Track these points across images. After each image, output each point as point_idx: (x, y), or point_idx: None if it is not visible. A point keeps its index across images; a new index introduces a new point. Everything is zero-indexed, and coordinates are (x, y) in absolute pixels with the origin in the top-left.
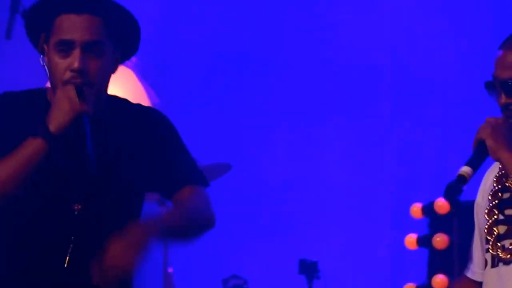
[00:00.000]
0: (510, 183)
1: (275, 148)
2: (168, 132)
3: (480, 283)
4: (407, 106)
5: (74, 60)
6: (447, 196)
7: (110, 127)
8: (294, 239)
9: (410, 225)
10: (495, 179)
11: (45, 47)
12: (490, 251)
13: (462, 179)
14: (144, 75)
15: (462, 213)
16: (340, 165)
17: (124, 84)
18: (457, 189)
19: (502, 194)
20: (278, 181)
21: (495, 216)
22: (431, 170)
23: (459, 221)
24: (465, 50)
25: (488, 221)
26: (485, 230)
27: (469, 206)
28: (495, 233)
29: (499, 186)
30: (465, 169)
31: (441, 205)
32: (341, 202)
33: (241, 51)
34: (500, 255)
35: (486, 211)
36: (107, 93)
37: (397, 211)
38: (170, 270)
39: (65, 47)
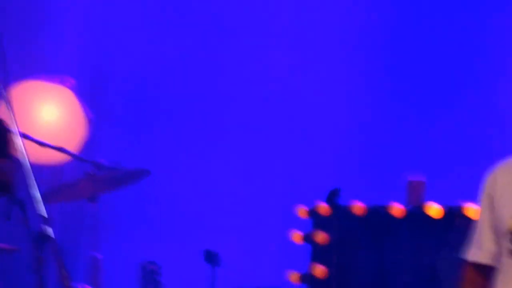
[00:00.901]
0: None
1: (185, 155)
2: None
3: (486, 266)
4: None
5: None
6: (328, 201)
7: None
8: (201, 233)
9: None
10: None
11: None
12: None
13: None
14: (80, 93)
15: (340, 214)
16: (240, 172)
17: (62, 102)
18: (336, 196)
19: None
20: (189, 185)
21: None
22: (314, 176)
23: (338, 222)
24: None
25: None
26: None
27: (345, 209)
28: None
29: None
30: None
31: (323, 207)
32: (241, 202)
33: (163, 60)
34: None
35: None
36: None
37: (286, 211)
38: (98, 256)
39: None
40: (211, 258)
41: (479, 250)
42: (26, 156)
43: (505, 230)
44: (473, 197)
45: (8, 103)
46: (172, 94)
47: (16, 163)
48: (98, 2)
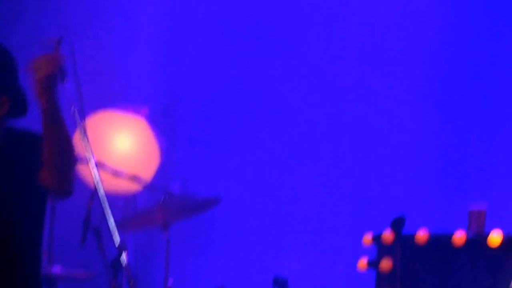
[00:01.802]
0: None
1: (255, 181)
2: (30, 155)
3: None
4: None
5: None
6: (393, 228)
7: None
8: (270, 259)
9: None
10: None
11: None
12: None
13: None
14: (153, 121)
15: (404, 242)
16: (309, 200)
17: (135, 132)
18: (401, 224)
19: None
20: (259, 211)
21: None
22: (379, 204)
23: (401, 249)
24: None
25: None
26: None
27: (409, 237)
28: None
29: None
30: None
31: (388, 235)
32: (310, 229)
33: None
34: None
35: None
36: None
37: (353, 238)
38: (170, 282)
39: None
40: (280, 284)
41: None
42: (101, 185)
43: None
44: None
45: (84, 133)
46: (241, 119)
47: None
48: (168, 30)
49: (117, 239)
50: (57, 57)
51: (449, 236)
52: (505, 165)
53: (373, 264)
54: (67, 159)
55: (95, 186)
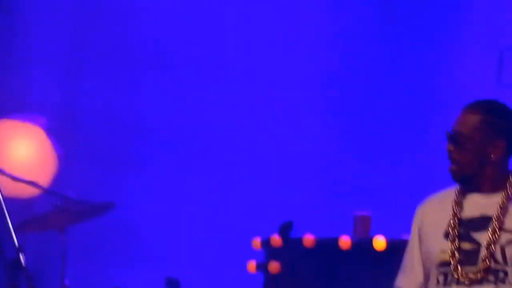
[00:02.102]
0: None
1: (148, 186)
2: None
3: None
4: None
5: None
6: (281, 233)
7: None
8: (162, 260)
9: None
10: (452, 215)
11: None
12: (454, 273)
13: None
14: (49, 130)
15: (292, 246)
16: (200, 204)
17: (33, 139)
18: (289, 228)
19: (456, 229)
20: (151, 214)
21: (454, 246)
22: (268, 209)
23: (289, 253)
24: None
25: (446, 249)
26: (441, 257)
27: (297, 241)
28: (455, 259)
29: (455, 221)
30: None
31: (276, 239)
32: (200, 232)
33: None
34: (462, 279)
35: (443, 242)
36: None
37: (242, 242)
38: (67, 283)
39: None
40: (172, 285)
41: (407, 278)
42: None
43: (435, 263)
44: None
45: None
46: (141, 132)
47: None
48: (69, 39)
49: (15, 241)
50: None
51: (335, 240)
52: (389, 172)
53: (262, 266)
54: None
55: None
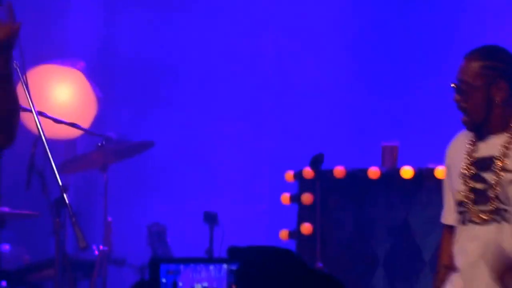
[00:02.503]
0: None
1: (186, 128)
2: None
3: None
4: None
5: None
6: (312, 165)
7: None
8: (200, 196)
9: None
10: (466, 154)
11: None
12: (468, 213)
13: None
14: (90, 74)
15: (323, 178)
16: (236, 142)
17: (74, 83)
18: (320, 161)
19: (472, 169)
20: (190, 154)
21: (469, 185)
22: (299, 143)
23: (321, 184)
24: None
25: (464, 188)
26: (461, 196)
27: (327, 173)
28: (470, 199)
29: (471, 160)
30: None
31: (308, 172)
32: (237, 168)
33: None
34: (474, 219)
35: (461, 180)
36: None
37: (276, 176)
38: (109, 219)
39: None
40: (210, 218)
41: (447, 214)
42: (43, 132)
43: (456, 201)
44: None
45: (25, 84)
46: (176, 71)
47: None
48: None
49: (59, 181)
50: (10, 23)
51: (365, 171)
52: (416, 104)
53: (295, 198)
54: (13, 114)
55: (38, 133)
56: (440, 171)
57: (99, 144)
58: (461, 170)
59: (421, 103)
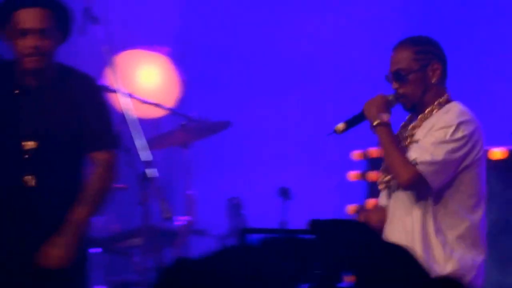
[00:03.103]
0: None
1: (262, 109)
2: (87, 99)
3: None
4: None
5: (31, 41)
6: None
7: (55, 91)
8: (276, 173)
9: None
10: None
11: (7, 34)
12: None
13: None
14: (174, 58)
15: None
16: (309, 123)
17: (159, 66)
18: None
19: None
20: (266, 133)
21: None
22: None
23: None
24: None
25: None
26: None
27: None
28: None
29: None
30: (339, 126)
31: (374, 151)
32: (309, 147)
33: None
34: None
35: None
36: (53, 63)
37: (343, 154)
38: (191, 192)
39: (25, 32)
40: (284, 193)
41: None
42: (131, 111)
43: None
44: None
45: (114, 68)
46: (249, 57)
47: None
48: None
49: (146, 156)
50: None
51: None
52: None
53: (363, 175)
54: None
55: (126, 112)
56: None
57: (182, 123)
58: None
59: None
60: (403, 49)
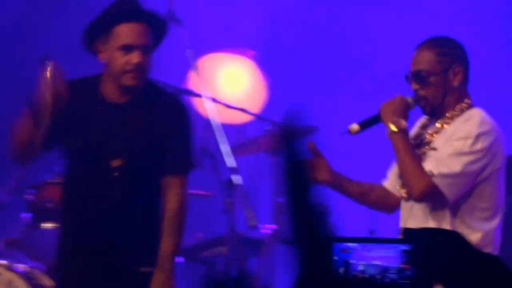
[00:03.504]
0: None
1: (349, 112)
2: (173, 121)
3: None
4: None
5: (135, 57)
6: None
7: (142, 109)
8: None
9: None
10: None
11: (101, 47)
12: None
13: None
14: (259, 62)
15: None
16: None
17: (244, 70)
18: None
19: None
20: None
21: None
22: None
23: None
24: None
25: None
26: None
27: None
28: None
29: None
30: (354, 127)
31: None
32: None
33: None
34: (403, 194)
35: None
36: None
37: None
38: (280, 199)
39: (129, 48)
40: None
41: (386, 179)
42: (215, 117)
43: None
44: None
45: (199, 72)
46: (337, 59)
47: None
48: None
49: (231, 162)
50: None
51: None
52: None
53: None
54: None
55: (210, 118)
56: None
57: (267, 129)
58: None
59: None
60: (425, 49)
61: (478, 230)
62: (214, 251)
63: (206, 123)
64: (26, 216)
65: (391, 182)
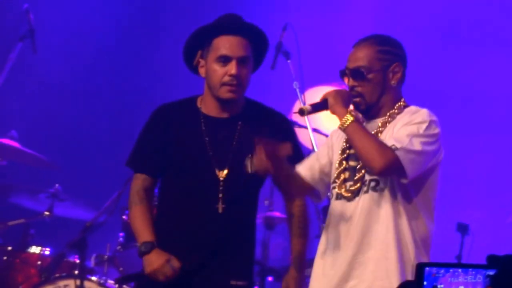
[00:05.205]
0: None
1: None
2: (286, 137)
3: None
4: None
5: (232, 68)
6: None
7: (245, 125)
8: (454, 208)
9: None
10: (345, 140)
11: (201, 61)
12: (337, 189)
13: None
14: None
15: None
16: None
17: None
18: None
19: (349, 151)
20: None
21: (343, 166)
22: None
23: None
24: None
25: (338, 168)
26: (335, 174)
27: None
28: (341, 177)
29: (347, 145)
30: (307, 107)
31: None
32: (486, 182)
33: None
34: (344, 194)
35: (337, 162)
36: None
37: None
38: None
39: (227, 59)
40: (462, 229)
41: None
42: (316, 147)
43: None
44: None
45: (304, 103)
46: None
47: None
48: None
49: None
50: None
51: None
52: None
53: None
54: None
55: (312, 148)
56: None
57: None
58: (339, 153)
59: None
60: (366, 46)
61: (427, 225)
62: (308, 271)
63: (308, 152)
64: (122, 235)
65: (304, 166)
